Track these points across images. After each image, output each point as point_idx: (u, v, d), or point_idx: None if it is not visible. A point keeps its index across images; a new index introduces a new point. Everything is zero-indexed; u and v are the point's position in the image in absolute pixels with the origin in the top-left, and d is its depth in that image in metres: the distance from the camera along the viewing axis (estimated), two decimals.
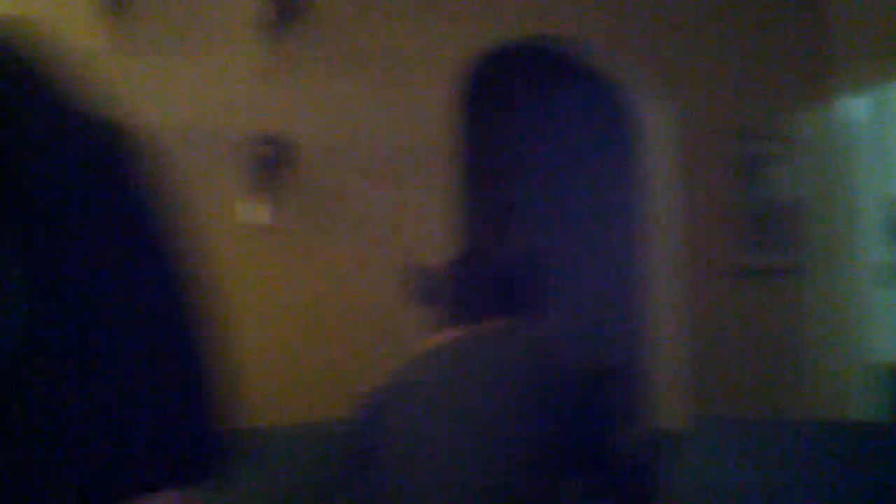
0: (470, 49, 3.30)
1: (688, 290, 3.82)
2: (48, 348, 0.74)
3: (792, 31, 4.28)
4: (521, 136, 4.45)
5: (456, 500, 1.57)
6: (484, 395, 1.61)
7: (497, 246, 2.03)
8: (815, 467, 1.85)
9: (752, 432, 2.10)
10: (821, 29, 4.37)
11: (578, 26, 3.59)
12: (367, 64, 3.09)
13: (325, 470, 2.39)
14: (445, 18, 3.25)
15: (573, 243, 4.20)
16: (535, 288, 1.87)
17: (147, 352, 0.80)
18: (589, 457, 1.62)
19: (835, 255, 4.36)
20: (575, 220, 4.25)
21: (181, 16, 2.77)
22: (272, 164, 2.81)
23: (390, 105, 3.12)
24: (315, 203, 2.94)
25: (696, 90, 3.94)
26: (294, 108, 2.93)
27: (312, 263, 2.91)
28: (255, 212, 2.80)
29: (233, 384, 0.91)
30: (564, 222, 4.28)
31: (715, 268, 3.93)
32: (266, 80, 2.88)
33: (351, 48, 3.07)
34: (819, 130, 4.37)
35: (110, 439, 0.78)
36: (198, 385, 0.86)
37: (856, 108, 4.45)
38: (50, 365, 0.74)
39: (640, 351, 3.88)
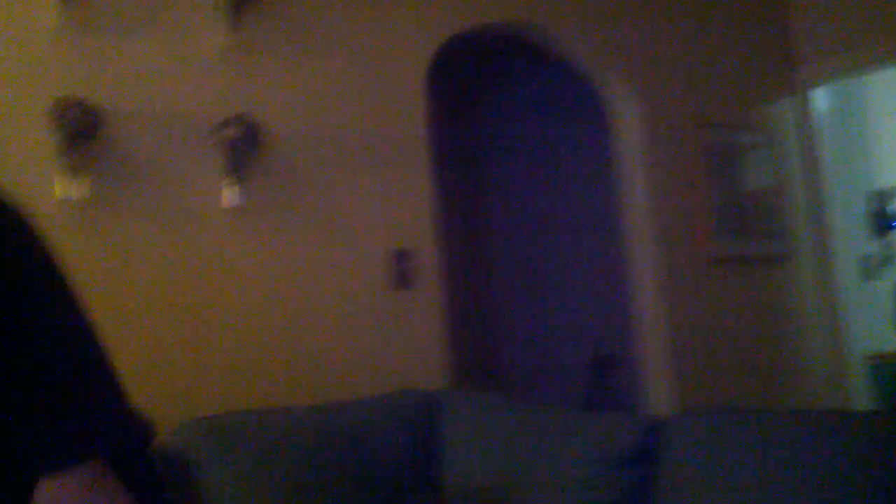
0: (439, 34, 3.25)
1: (669, 279, 3.79)
2: None
3: (761, 23, 4.28)
4: (491, 123, 4.41)
5: None
6: None
7: None
8: (801, 456, 1.82)
9: (738, 421, 2.07)
10: (788, 21, 4.38)
11: (548, 14, 3.55)
12: (336, 47, 3.02)
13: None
14: (413, 2, 3.21)
15: (551, 234, 4.16)
16: None
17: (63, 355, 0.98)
18: None
19: (818, 246, 4.35)
20: (552, 210, 4.21)
21: None
22: (239, 145, 2.75)
23: (360, 89, 3.06)
24: (283, 185, 2.88)
25: (666, 80, 3.92)
26: (261, 90, 2.85)
27: (281, 245, 2.85)
28: (224, 193, 2.75)
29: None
30: (541, 213, 4.23)
31: (695, 257, 3.90)
32: (232, 62, 2.82)
33: (319, 31, 2.99)
34: (792, 121, 4.36)
35: (31, 417, 0.91)
36: (105, 374, 1.02)
37: (828, 99, 4.45)
38: None
39: (629, 341, 3.85)
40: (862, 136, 4.96)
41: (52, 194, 2.45)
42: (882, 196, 5.00)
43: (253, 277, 2.78)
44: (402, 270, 3.04)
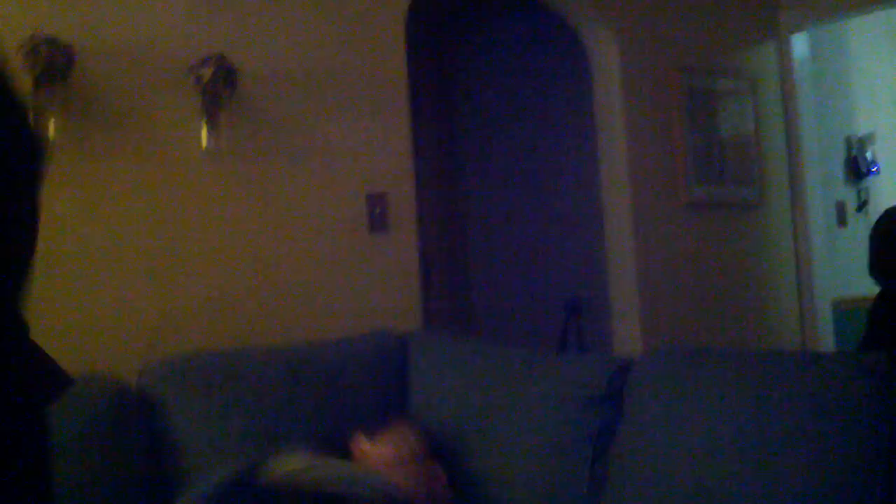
0: None
1: (642, 223, 3.82)
2: None
3: None
4: (470, 69, 4.37)
5: None
6: None
7: None
8: (765, 395, 1.84)
9: (704, 361, 2.10)
10: None
11: None
12: None
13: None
14: None
15: (527, 179, 4.16)
16: None
17: None
18: None
19: (793, 192, 4.38)
20: (529, 155, 4.20)
21: None
22: (215, 86, 2.73)
23: (339, 30, 3.02)
24: (260, 127, 2.86)
25: (646, 24, 3.90)
26: (238, 30, 2.81)
27: (256, 187, 2.85)
28: (199, 135, 2.73)
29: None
30: (518, 158, 4.23)
31: (670, 202, 3.92)
32: (209, 1, 2.79)
33: None
34: (772, 66, 4.36)
35: None
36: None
37: (808, 45, 4.44)
38: None
39: (602, 285, 3.88)
40: (841, 82, 4.97)
41: None
42: (859, 142, 5.02)
43: (228, 218, 2.78)
44: (377, 213, 3.06)
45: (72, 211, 2.49)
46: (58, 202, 2.43)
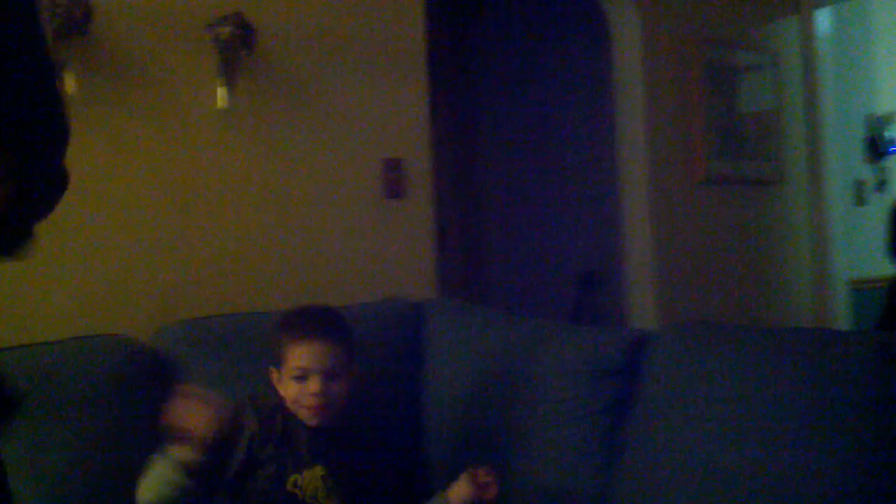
0: None
1: (658, 197, 3.79)
2: None
3: None
4: (486, 38, 4.32)
5: None
6: None
7: None
8: (781, 371, 1.83)
9: (720, 336, 2.09)
10: None
11: None
12: None
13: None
14: None
15: (542, 151, 4.13)
16: None
17: None
18: None
19: (812, 169, 4.35)
20: (544, 126, 4.17)
21: None
22: (233, 45, 2.70)
23: None
24: (277, 88, 2.83)
25: None
26: None
27: (272, 149, 2.82)
28: (216, 94, 2.71)
29: None
30: (533, 129, 4.19)
31: (687, 176, 3.90)
32: None
33: None
34: (794, 42, 4.31)
35: None
36: None
37: (831, 20, 4.39)
38: None
39: (617, 258, 3.87)
40: (864, 59, 4.91)
41: None
42: (879, 121, 4.97)
43: (243, 180, 2.76)
44: (393, 179, 3.03)
45: (85, 168, 2.47)
46: (71, 158, 2.41)
